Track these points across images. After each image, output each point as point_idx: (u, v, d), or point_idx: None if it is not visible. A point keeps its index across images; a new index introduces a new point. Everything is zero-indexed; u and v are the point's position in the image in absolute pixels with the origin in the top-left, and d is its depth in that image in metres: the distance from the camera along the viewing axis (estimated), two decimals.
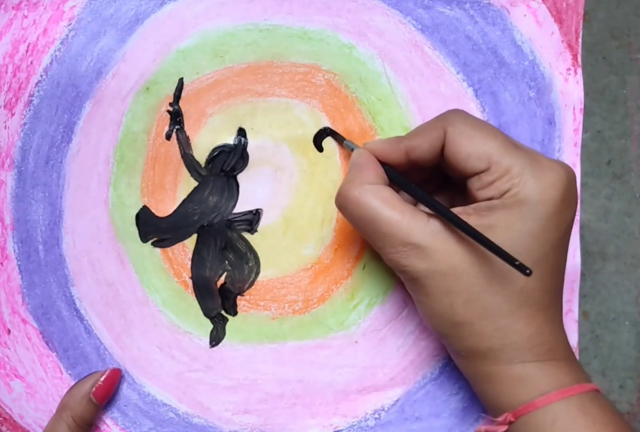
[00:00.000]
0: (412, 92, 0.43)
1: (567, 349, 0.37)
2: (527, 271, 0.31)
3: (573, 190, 0.36)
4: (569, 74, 0.43)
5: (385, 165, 0.38)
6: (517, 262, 0.32)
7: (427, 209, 0.36)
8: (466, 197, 0.37)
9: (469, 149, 0.35)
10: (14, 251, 0.43)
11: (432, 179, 0.40)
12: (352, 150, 0.40)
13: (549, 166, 0.35)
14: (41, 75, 0.43)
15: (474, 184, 0.36)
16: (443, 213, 0.35)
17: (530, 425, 0.35)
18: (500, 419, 0.36)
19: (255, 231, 0.43)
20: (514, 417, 0.35)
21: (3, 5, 0.42)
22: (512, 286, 0.35)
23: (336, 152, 0.43)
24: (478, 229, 0.34)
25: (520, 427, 0.35)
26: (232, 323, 0.43)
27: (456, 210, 0.36)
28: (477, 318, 0.35)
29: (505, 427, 0.36)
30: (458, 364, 0.39)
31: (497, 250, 0.33)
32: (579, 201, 0.43)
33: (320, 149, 0.43)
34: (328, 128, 0.43)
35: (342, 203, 0.37)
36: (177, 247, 0.43)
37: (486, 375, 0.36)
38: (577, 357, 0.43)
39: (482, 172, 0.35)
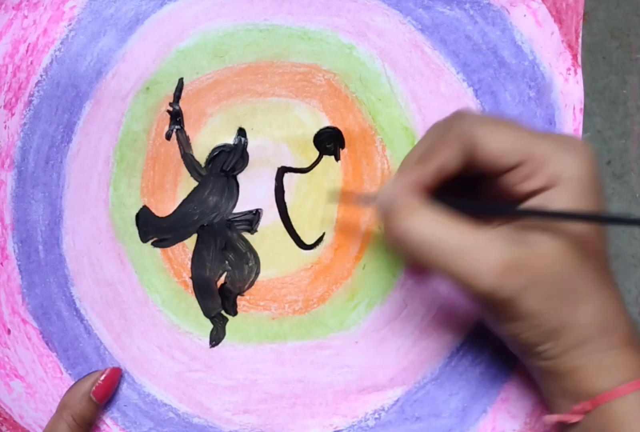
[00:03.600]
0: (412, 92, 0.43)
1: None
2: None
3: (598, 165, 0.35)
4: (569, 74, 0.43)
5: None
6: (633, 218, 0.31)
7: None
8: (489, 193, 0.36)
9: (498, 146, 0.33)
10: (14, 251, 0.43)
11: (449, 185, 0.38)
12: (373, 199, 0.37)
13: (577, 144, 0.34)
14: (41, 75, 0.43)
15: (509, 180, 0.34)
16: (523, 212, 0.34)
17: (605, 415, 0.33)
18: (577, 407, 0.34)
19: (255, 230, 0.43)
20: (592, 406, 0.34)
21: (3, 5, 0.42)
22: (591, 264, 0.34)
23: (336, 153, 0.43)
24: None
25: (595, 417, 0.34)
26: (232, 323, 0.43)
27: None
28: (572, 312, 0.33)
29: (580, 417, 0.34)
30: (531, 368, 0.37)
31: (611, 218, 0.32)
32: None
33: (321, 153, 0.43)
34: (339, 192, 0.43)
35: (398, 236, 0.34)
36: (177, 247, 0.43)
37: (573, 368, 0.34)
38: None
39: (516, 166, 0.34)
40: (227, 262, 0.43)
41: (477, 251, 0.32)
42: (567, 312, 0.34)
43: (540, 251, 0.33)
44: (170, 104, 0.43)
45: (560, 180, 0.33)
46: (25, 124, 0.43)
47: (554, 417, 0.36)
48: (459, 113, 0.36)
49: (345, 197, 0.42)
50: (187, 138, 0.43)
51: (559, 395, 0.36)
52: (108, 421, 0.44)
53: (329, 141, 0.43)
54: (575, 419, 0.34)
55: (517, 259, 0.32)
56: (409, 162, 0.36)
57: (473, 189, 0.37)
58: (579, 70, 0.43)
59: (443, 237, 0.33)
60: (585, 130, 0.43)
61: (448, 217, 0.34)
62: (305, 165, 0.43)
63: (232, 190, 0.43)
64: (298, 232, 0.43)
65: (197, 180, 0.43)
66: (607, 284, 0.35)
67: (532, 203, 0.34)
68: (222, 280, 0.44)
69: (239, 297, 0.43)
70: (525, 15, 0.43)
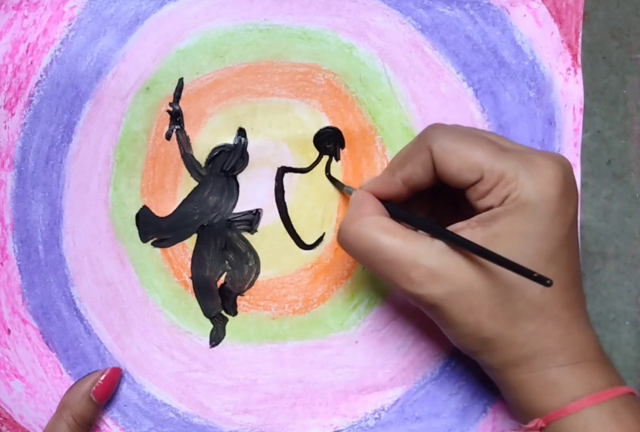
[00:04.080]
0: (412, 92, 0.43)
1: (598, 348, 0.36)
2: (548, 282, 0.30)
3: (571, 182, 0.35)
4: (569, 74, 0.43)
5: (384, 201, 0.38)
6: (535, 274, 0.31)
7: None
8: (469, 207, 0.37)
9: (458, 163, 0.35)
10: (14, 251, 0.43)
11: (439, 192, 0.39)
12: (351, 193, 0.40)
13: (543, 164, 0.34)
14: (41, 75, 0.43)
15: (471, 194, 0.35)
16: (445, 235, 0.34)
17: (561, 431, 0.34)
18: (531, 425, 0.35)
19: (255, 230, 0.43)
20: (545, 423, 0.35)
21: (3, 6, 0.42)
22: (532, 289, 0.34)
23: (336, 153, 0.43)
24: (484, 240, 0.33)
25: None
26: (232, 323, 0.43)
27: (460, 224, 0.35)
28: (506, 329, 0.35)
29: None
30: (489, 375, 0.38)
31: (510, 265, 0.32)
32: (579, 200, 0.43)
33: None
34: (329, 174, 0.43)
35: (343, 239, 0.37)
36: (177, 247, 0.43)
37: (519, 383, 0.36)
38: None
39: (476, 182, 0.35)
40: (227, 262, 0.43)
41: (407, 259, 0.34)
42: (501, 327, 0.35)
43: (468, 265, 0.34)
44: (170, 104, 0.43)
45: (515, 201, 0.34)
46: (25, 124, 0.43)
47: None
48: (432, 126, 0.37)
49: (336, 183, 0.43)
50: (187, 138, 0.43)
51: (517, 408, 0.37)
52: (108, 421, 0.44)
53: (329, 141, 0.43)
54: None
55: (442, 270, 0.34)
56: (384, 172, 0.39)
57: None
58: (579, 70, 0.43)
59: (380, 244, 0.35)
60: (585, 130, 0.43)
61: (391, 225, 0.36)
62: (305, 165, 0.43)
63: (232, 190, 0.43)
64: (298, 232, 0.43)
65: (197, 180, 0.43)
66: (553, 303, 0.35)
67: (477, 218, 0.35)
68: (222, 280, 0.44)
69: (239, 297, 0.43)
70: (525, 15, 0.43)
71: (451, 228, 0.35)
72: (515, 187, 0.34)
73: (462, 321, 0.35)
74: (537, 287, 0.34)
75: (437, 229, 0.35)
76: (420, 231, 0.36)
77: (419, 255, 0.34)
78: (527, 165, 0.34)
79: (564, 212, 0.34)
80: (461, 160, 0.34)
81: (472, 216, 0.35)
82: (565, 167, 0.35)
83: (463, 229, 0.35)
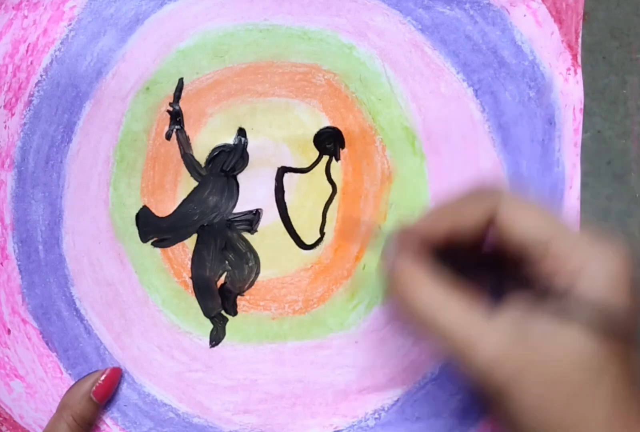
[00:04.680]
0: (412, 92, 0.43)
1: None
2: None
3: (632, 272, 0.32)
4: (569, 74, 0.43)
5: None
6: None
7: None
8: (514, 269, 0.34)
9: (525, 223, 0.32)
10: (14, 251, 0.43)
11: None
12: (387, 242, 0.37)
13: (611, 249, 0.31)
14: (41, 75, 0.43)
15: (531, 269, 0.32)
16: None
17: None
18: None
19: (255, 230, 0.43)
20: None
21: (3, 6, 0.42)
22: (590, 356, 0.30)
23: (336, 153, 0.43)
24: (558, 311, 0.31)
25: None
26: (232, 323, 0.43)
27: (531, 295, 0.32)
28: (572, 408, 0.31)
29: None
30: None
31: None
32: (578, 204, 0.43)
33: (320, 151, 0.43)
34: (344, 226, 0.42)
35: (402, 304, 0.34)
36: (177, 247, 0.43)
37: None
38: None
39: (538, 258, 0.32)
40: (227, 262, 0.43)
41: (468, 340, 0.32)
42: (563, 406, 0.31)
43: (542, 345, 0.31)
44: (170, 104, 0.43)
45: (581, 275, 0.31)
46: (25, 124, 0.43)
47: None
48: (500, 187, 0.35)
49: (347, 223, 0.42)
50: (187, 138, 0.43)
51: None
52: (108, 421, 0.44)
53: (329, 141, 0.43)
54: None
55: (509, 353, 0.31)
56: (427, 215, 0.36)
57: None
58: (579, 70, 0.43)
59: (442, 313, 0.32)
60: (585, 130, 0.43)
61: (449, 289, 0.33)
62: (305, 165, 0.43)
63: (232, 190, 0.43)
64: (298, 232, 0.43)
65: (197, 181, 0.43)
66: (622, 415, 0.31)
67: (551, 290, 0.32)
68: (222, 280, 0.44)
69: (239, 297, 0.43)
70: (525, 15, 0.43)
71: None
72: (582, 264, 0.31)
73: (530, 408, 0.31)
74: (593, 352, 0.30)
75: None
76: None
77: (481, 336, 0.31)
78: (593, 246, 0.31)
79: (633, 299, 0.31)
80: (526, 222, 0.32)
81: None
82: (629, 264, 0.32)
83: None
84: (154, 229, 0.43)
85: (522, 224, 0.32)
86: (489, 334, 0.31)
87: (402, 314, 0.35)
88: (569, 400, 0.31)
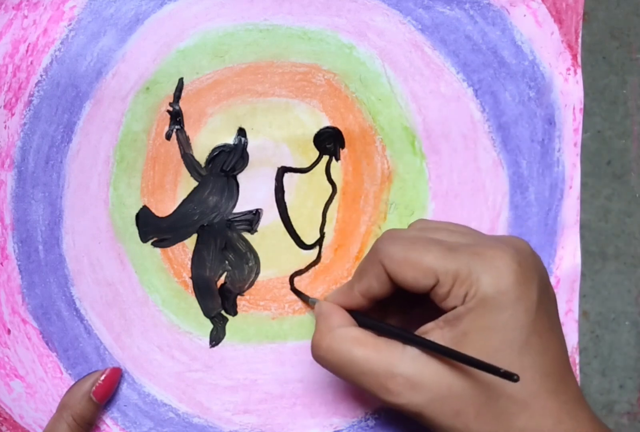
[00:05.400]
0: (412, 92, 0.43)
1: (596, 428, 0.35)
2: (515, 377, 0.30)
3: (528, 266, 0.35)
4: (569, 74, 0.43)
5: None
6: (501, 371, 0.30)
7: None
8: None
9: (411, 271, 0.35)
10: (14, 251, 0.43)
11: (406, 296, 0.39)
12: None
13: (492, 255, 0.34)
14: (41, 75, 0.43)
15: (434, 298, 0.35)
16: (413, 340, 0.35)
17: None
18: None
19: (255, 230, 0.43)
20: None
21: (3, 5, 0.42)
22: (510, 384, 0.33)
23: (336, 153, 0.43)
24: (454, 339, 0.34)
25: None
26: (232, 323, 0.43)
27: (429, 325, 0.35)
28: (495, 429, 0.34)
29: None
30: None
31: (476, 363, 0.32)
32: (578, 204, 0.43)
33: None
34: (293, 287, 0.43)
35: (318, 355, 0.37)
36: (177, 247, 0.43)
37: None
38: (577, 357, 0.43)
39: (434, 286, 0.34)
40: (227, 262, 0.43)
41: (382, 370, 0.34)
42: (489, 428, 0.34)
43: (446, 368, 0.34)
44: (170, 104, 0.43)
45: (469, 297, 0.34)
46: (25, 124, 0.43)
47: None
48: (381, 238, 0.37)
49: (301, 296, 0.43)
50: (187, 138, 0.43)
51: None
52: (108, 421, 0.43)
53: (329, 141, 0.43)
54: None
55: (420, 377, 0.34)
56: (344, 285, 0.39)
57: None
58: (579, 70, 0.43)
59: (353, 356, 0.35)
60: (585, 130, 0.43)
61: (362, 336, 0.36)
62: (305, 165, 0.43)
63: (232, 190, 0.43)
64: (298, 232, 0.43)
65: (197, 181, 0.43)
66: (536, 394, 0.34)
67: (443, 318, 0.35)
68: (222, 280, 0.44)
69: (239, 297, 0.43)
70: (525, 15, 0.43)
71: (421, 330, 0.35)
72: (470, 284, 0.34)
73: (450, 426, 0.34)
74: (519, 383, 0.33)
75: (404, 335, 0.35)
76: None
77: (392, 364, 0.34)
78: (477, 259, 0.34)
79: (525, 299, 0.34)
80: (414, 269, 0.35)
81: (441, 310, 0.35)
82: (518, 252, 0.35)
83: (433, 329, 0.35)
84: (154, 229, 0.43)
85: (408, 271, 0.35)
86: (400, 363, 0.34)
87: (323, 366, 0.37)
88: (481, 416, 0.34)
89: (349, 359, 0.35)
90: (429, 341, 0.34)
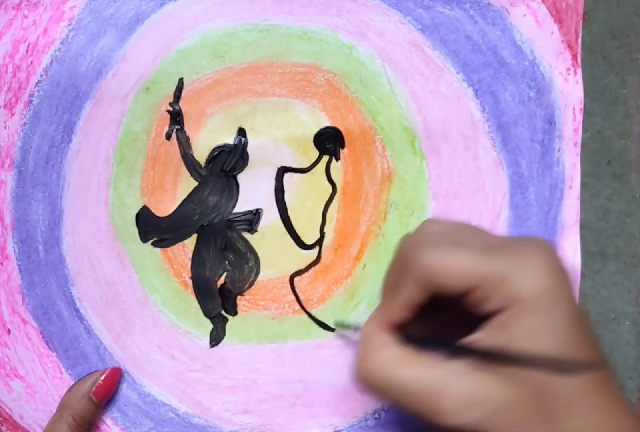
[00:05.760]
0: (412, 92, 0.43)
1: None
2: (585, 368, 0.29)
3: (560, 265, 0.34)
4: (569, 74, 0.43)
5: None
6: (571, 362, 0.30)
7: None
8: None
9: (448, 278, 0.33)
10: (14, 251, 0.43)
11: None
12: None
13: (529, 256, 0.33)
14: (41, 75, 0.43)
15: (468, 302, 0.34)
16: (472, 352, 0.33)
17: None
18: None
19: (255, 230, 0.43)
20: None
21: (3, 6, 0.42)
22: (563, 384, 0.32)
23: (336, 153, 0.43)
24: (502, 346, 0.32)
25: None
26: (232, 323, 0.43)
27: (473, 337, 0.34)
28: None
29: None
30: None
31: (547, 362, 0.30)
32: (578, 204, 0.43)
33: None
34: (337, 327, 0.43)
35: (361, 380, 0.35)
36: (177, 247, 0.43)
37: None
38: None
39: (471, 290, 0.33)
40: (227, 262, 0.43)
41: (431, 392, 0.33)
42: None
43: (499, 379, 0.32)
44: (170, 104, 0.43)
45: (516, 300, 0.32)
46: (25, 124, 0.43)
47: None
48: (409, 244, 0.36)
49: (327, 328, 0.43)
50: (187, 138, 0.43)
51: None
52: (108, 421, 0.44)
53: (329, 141, 0.43)
54: None
55: (474, 393, 0.32)
56: (383, 302, 0.37)
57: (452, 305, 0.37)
58: (579, 70, 0.43)
59: (399, 379, 0.33)
60: (585, 130, 0.43)
61: (408, 355, 0.34)
62: (305, 165, 0.43)
63: (232, 190, 0.43)
64: (298, 232, 0.43)
65: (197, 180, 0.43)
66: (587, 392, 0.33)
67: (489, 326, 0.33)
68: (222, 280, 0.44)
69: (239, 297, 0.44)
70: (525, 15, 0.43)
71: (464, 342, 0.34)
72: (510, 287, 0.32)
73: None
74: (567, 381, 0.32)
75: (454, 347, 0.34)
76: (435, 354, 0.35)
77: (440, 382, 0.33)
78: (514, 260, 0.33)
79: (566, 297, 0.33)
80: (451, 275, 0.33)
81: (470, 315, 0.34)
82: (549, 251, 0.34)
83: (477, 341, 0.33)
84: (154, 229, 0.43)
85: (442, 279, 0.33)
86: (449, 381, 0.33)
87: (368, 391, 0.35)
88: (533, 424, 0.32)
89: (393, 380, 0.33)
90: (484, 350, 0.32)
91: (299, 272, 0.43)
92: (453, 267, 0.33)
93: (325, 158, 0.43)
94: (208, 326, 0.43)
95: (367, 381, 0.35)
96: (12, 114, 0.43)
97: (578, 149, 0.43)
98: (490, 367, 0.33)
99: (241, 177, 0.43)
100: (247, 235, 0.43)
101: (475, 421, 0.32)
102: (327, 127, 0.43)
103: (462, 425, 0.32)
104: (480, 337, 0.33)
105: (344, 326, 0.43)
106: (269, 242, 0.43)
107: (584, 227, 0.44)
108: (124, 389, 0.44)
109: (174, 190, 0.43)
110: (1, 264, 0.43)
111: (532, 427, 0.32)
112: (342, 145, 0.43)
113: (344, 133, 0.43)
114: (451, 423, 0.32)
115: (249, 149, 0.43)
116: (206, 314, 0.43)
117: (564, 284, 0.33)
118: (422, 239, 0.36)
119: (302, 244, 0.43)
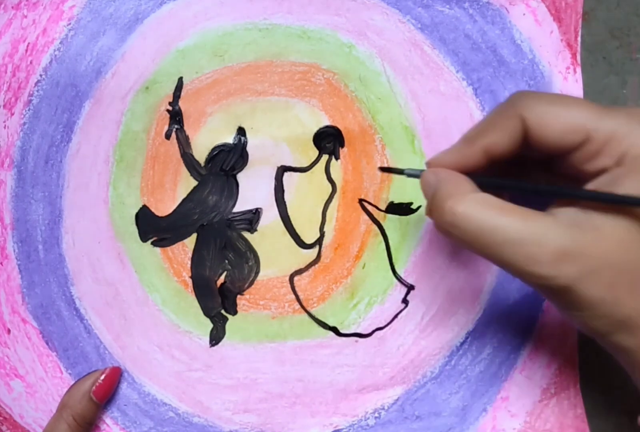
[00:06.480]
0: (412, 91, 0.43)
1: None
2: None
3: None
4: (568, 72, 0.43)
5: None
6: None
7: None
8: (555, 178, 0.34)
9: (559, 126, 0.32)
10: (14, 251, 0.43)
11: (506, 170, 0.36)
12: (419, 175, 0.36)
13: None
14: (41, 75, 0.43)
15: (576, 159, 0.32)
16: (577, 195, 0.31)
17: None
18: None
19: (255, 230, 0.43)
20: None
21: (2, 5, 0.42)
22: None
23: (335, 152, 0.43)
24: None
25: None
26: (232, 322, 0.43)
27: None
28: None
29: None
30: (619, 358, 0.34)
31: None
32: None
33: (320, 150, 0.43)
34: (381, 167, 0.41)
35: (450, 222, 0.32)
36: (177, 246, 0.43)
37: None
38: (578, 355, 0.43)
39: (581, 144, 0.32)
40: (227, 261, 0.43)
41: (532, 237, 0.31)
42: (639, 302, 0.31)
43: (602, 236, 0.31)
44: (170, 104, 0.43)
45: (629, 157, 0.31)
46: (24, 123, 0.43)
47: None
48: (519, 92, 0.34)
49: (393, 170, 0.39)
50: (187, 137, 0.43)
51: None
52: (108, 420, 0.43)
53: (329, 140, 0.43)
54: None
55: (575, 246, 0.30)
56: (460, 142, 0.35)
57: (528, 175, 0.36)
58: (578, 69, 0.43)
59: (496, 224, 0.31)
60: None
61: (500, 202, 0.32)
62: (305, 164, 0.43)
63: (232, 189, 0.43)
64: (298, 231, 0.43)
65: (196, 180, 0.43)
66: None
67: (596, 184, 0.32)
68: (222, 279, 0.44)
69: (238, 296, 0.43)
70: (524, 14, 0.43)
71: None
72: (632, 143, 0.31)
73: (599, 301, 0.31)
74: None
75: (558, 190, 0.32)
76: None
77: (543, 232, 0.31)
78: (633, 120, 0.31)
79: None
80: (562, 123, 0.32)
81: (570, 177, 0.33)
82: None
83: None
84: (153, 228, 0.43)
85: (554, 125, 0.32)
86: (551, 230, 0.31)
87: (454, 236, 0.33)
88: (635, 289, 0.31)
89: (492, 226, 0.31)
90: (612, 193, 0.30)
91: (298, 272, 0.43)
92: (566, 116, 0.32)
93: (325, 157, 0.43)
94: (208, 325, 0.43)
95: (457, 226, 0.32)
96: (12, 114, 0.43)
97: None
98: (589, 220, 0.31)
99: (241, 177, 0.43)
100: (246, 234, 0.43)
101: (568, 274, 0.31)
102: (327, 126, 0.43)
103: (553, 277, 0.31)
104: None
105: (391, 170, 0.39)
106: (268, 241, 0.43)
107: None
108: (124, 389, 0.43)
109: (174, 190, 0.43)
110: (1, 263, 0.43)
111: (636, 295, 0.31)
112: (342, 145, 0.43)
113: (343, 132, 0.43)
114: (542, 273, 0.31)
115: (248, 148, 0.43)
116: (206, 313, 0.43)
117: None
118: (534, 92, 0.35)
119: (302, 243, 0.43)
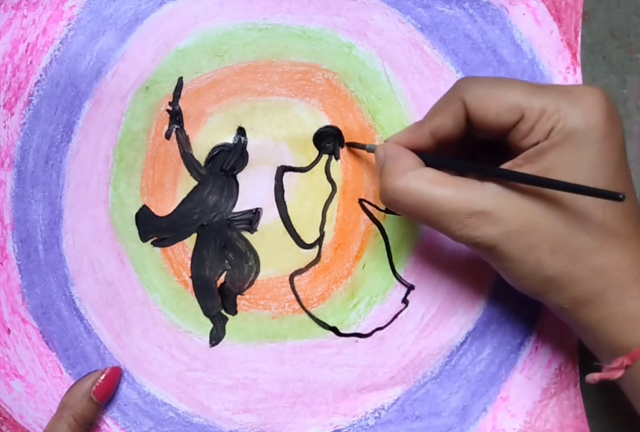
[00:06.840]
0: (412, 91, 0.43)
1: None
2: (620, 196, 0.29)
3: (614, 106, 0.34)
4: (568, 72, 0.43)
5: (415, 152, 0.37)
6: (603, 192, 0.30)
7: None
8: (506, 155, 0.36)
9: (495, 106, 0.34)
10: (14, 251, 0.43)
11: (461, 151, 0.39)
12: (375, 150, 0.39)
13: (582, 92, 0.34)
14: (40, 75, 0.43)
15: (514, 136, 0.34)
16: (499, 173, 0.34)
17: None
18: (615, 364, 0.34)
19: (255, 230, 0.43)
20: (631, 361, 0.33)
21: (2, 5, 0.42)
22: (591, 221, 0.33)
23: (335, 152, 0.43)
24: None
25: (638, 371, 0.33)
26: (232, 322, 0.43)
27: (506, 165, 0.34)
28: (569, 265, 0.34)
29: (621, 373, 0.34)
30: (563, 319, 0.37)
31: (575, 188, 0.31)
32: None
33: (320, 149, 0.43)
34: (347, 142, 0.43)
35: (392, 197, 0.36)
36: (177, 246, 0.43)
37: (595, 321, 0.34)
38: (577, 352, 0.43)
39: (518, 122, 0.34)
40: (226, 261, 0.43)
41: (461, 205, 0.34)
42: (563, 264, 0.34)
43: (523, 204, 0.34)
44: (170, 104, 0.43)
45: (554, 131, 0.33)
46: (24, 123, 0.43)
47: (595, 376, 0.35)
48: (463, 78, 0.37)
49: (355, 145, 0.43)
50: (187, 137, 0.43)
51: (598, 349, 0.36)
52: (108, 420, 0.43)
53: (329, 140, 0.43)
54: (616, 375, 0.34)
55: (497, 211, 0.34)
56: (412, 125, 0.38)
57: (491, 151, 0.38)
58: (578, 69, 0.43)
59: (432, 197, 0.34)
60: None
61: (437, 175, 0.35)
62: (305, 164, 0.43)
63: (232, 189, 0.43)
64: (298, 231, 0.43)
65: (196, 180, 0.43)
66: (616, 233, 0.34)
67: (523, 156, 0.34)
68: (222, 279, 0.44)
69: (238, 296, 0.43)
70: (524, 14, 0.43)
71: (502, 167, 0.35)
72: (558, 119, 0.33)
73: (521, 260, 0.34)
74: (596, 218, 0.33)
75: (489, 169, 0.34)
76: (466, 176, 0.36)
77: (472, 201, 0.34)
78: (566, 96, 0.34)
79: (612, 136, 0.33)
80: (498, 103, 0.34)
81: (511, 154, 0.35)
82: (604, 93, 0.34)
83: (511, 168, 0.34)
84: (153, 228, 0.43)
85: (491, 107, 0.34)
86: (478, 197, 0.34)
87: (397, 208, 0.36)
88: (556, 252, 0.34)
89: (429, 199, 0.34)
90: (518, 172, 0.33)
91: (298, 272, 0.43)
92: (501, 97, 0.34)
93: (325, 157, 0.43)
94: (208, 325, 0.43)
95: (399, 201, 0.35)
96: (12, 114, 0.43)
97: None
98: (519, 191, 0.34)
99: (241, 177, 0.43)
100: (246, 234, 0.43)
101: (493, 236, 0.34)
102: (327, 126, 0.43)
103: (479, 238, 0.34)
104: (510, 166, 0.34)
105: (355, 145, 0.43)
106: (268, 241, 0.43)
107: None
108: (124, 389, 0.43)
109: (174, 190, 0.43)
110: (1, 263, 0.43)
111: (556, 258, 0.33)
112: (342, 144, 0.43)
113: (343, 132, 0.43)
114: (470, 235, 0.34)
115: (248, 148, 0.43)
116: (206, 313, 0.43)
117: (615, 124, 0.34)
118: (475, 77, 0.37)
119: (302, 243, 0.43)
